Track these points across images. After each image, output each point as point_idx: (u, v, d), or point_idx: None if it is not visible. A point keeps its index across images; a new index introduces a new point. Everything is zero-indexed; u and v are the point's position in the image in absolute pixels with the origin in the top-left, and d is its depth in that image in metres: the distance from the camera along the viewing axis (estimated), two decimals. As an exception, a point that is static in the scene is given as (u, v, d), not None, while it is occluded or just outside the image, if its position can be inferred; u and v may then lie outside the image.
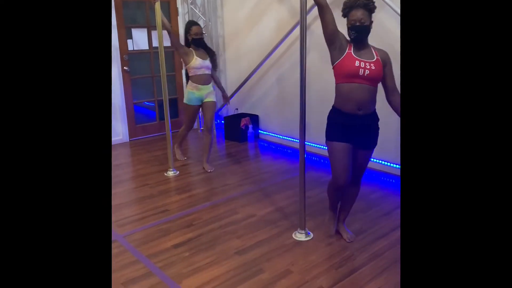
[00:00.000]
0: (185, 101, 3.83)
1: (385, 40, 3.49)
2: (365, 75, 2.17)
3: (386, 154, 3.67)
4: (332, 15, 2.23)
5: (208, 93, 3.81)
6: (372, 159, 3.81)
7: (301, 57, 2.40)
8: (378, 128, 2.36)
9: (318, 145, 4.30)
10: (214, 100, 3.86)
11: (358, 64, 2.17)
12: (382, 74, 2.22)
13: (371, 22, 2.20)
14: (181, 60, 3.84)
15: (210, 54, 3.82)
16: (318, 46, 4.07)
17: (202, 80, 3.74)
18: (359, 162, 2.39)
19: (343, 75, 2.22)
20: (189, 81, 3.78)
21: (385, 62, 2.24)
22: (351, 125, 2.26)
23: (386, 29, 3.44)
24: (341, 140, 2.28)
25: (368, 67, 2.18)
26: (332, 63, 2.27)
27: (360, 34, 2.18)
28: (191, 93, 3.75)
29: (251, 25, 4.89)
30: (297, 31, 4.15)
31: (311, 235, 2.62)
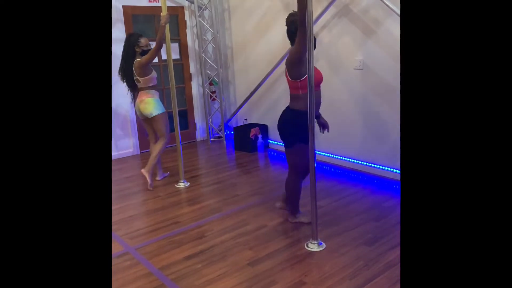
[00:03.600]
0: (163, 110, 3.77)
1: (393, 47, 3.48)
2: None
3: (399, 163, 3.63)
4: None
5: None
6: (385, 168, 3.78)
7: (308, 66, 2.40)
8: None
9: (328, 154, 4.28)
10: None
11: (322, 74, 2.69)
12: None
13: None
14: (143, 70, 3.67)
15: None
16: (326, 55, 4.08)
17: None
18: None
19: (318, 84, 2.61)
20: (154, 90, 3.78)
21: None
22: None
23: (395, 37, 3.44)
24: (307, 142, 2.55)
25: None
26: (301, 77, 2.55)
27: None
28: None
29: (259, 36, 4.92)
30: (304, 40, 4.17)
31: (324, 245, 2.59)
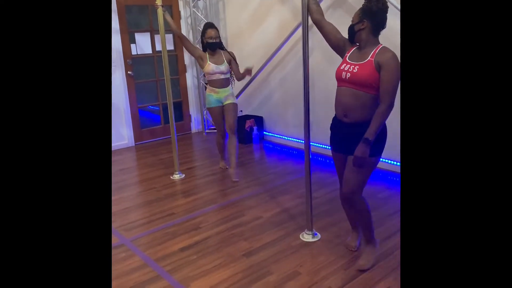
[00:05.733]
0: (207, 105, 3.77)
1: (388, 39, 3.47)
2: (347, 78, 2.05)
3: (393, 153, 3.64)
4: (331, 26, 2.23)
5: (227, 95, 3.72)
6: (380, 159, 3.78)
7: (304, 57, 2.39)
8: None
9: (323, 146, 4.28)
10: (234, 102, 3.76)
11: (343, 67, 2.09)
12: (371, 78, 1.97)
13: (362, 21, 2.03)
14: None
15: (231, 56, 3.72)
16: (321, 46, 4.07)
17: (218, 84, 3.67)
18: (345, 173, 2.16)
19: (336, 79, 2.15)
20: (207, 85, 3.77)
21: (380, 65, 1.96)
22: (337, 132, 2.19)
23: (390, 29, 3.42)
24: (331, 148, 2.27)
25: (351, 69, 2.04)
26: None
27: (349, 34, 2.12)
28: (210, 95, 3.71)
29: (253, 27, 4.89)
30: (300, 31, 4.15)
31: (319, 236, 2.60)
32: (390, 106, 1.97)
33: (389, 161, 3.70)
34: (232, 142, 3.73)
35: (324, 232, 2.65)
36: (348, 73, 2.05)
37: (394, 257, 2.33)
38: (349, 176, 2.13)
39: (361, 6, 2.07)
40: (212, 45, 3.58)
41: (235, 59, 3.73)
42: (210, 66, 3.60)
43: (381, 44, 2.06)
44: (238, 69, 3.74)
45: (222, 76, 3.65)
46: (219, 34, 3.63)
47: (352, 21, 2.10)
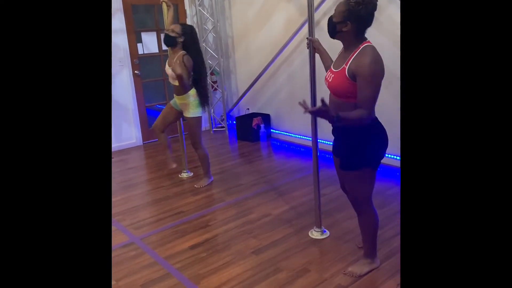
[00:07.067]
0: None
1: (395, 34, 3.45)
2: (327, 86, 2.01)
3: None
4: None
5: (183, 104, 3.34)
6: (388, 155, 3.76)
7: (310, 55, 2.39)
8: (349, 149, 1.99)
9: (330, 143, 4.26)
10: (190, 116, 3.34)
11: (326, 75, 2.04)
12: (344, 88, 1.87)
13: (346, 22, 1.82)
14: None
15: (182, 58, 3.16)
16: (327, 42, 4.05)
17: (174, 88, 3.35)
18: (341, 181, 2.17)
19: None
20: None
21: (353, 73, 1.81)
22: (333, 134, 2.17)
23: (397, 24, 3.40)
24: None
25: (329, 78, 1.98)
26: None
27: (328, 28, 1.92)
28: None
29: (259, 25, 4.88)
30: (306, 28, 4.13)
31: (327, 233, 2.60)
32: (369, 114, 1.84)
33: (398, 158, 3.68)
34: (198, 155, 3.57)
35: (333, 229, 2.65)
36: (327, 82, 2.01)
37: (403, 253, 2.32)
38: (348, 185, 2.10)
39: (347, 1, 1.81)
40: (164, 37, 3.19)
41: (182, 62, 3.15)
42: (166, 66, 3.35)
43: (364, 43, 1.86)
44: (177, 69, 3.10)
45: (171, 81, 3.30)
46: (180, 31, 3.16)
47: (334, 16, 1.87)
